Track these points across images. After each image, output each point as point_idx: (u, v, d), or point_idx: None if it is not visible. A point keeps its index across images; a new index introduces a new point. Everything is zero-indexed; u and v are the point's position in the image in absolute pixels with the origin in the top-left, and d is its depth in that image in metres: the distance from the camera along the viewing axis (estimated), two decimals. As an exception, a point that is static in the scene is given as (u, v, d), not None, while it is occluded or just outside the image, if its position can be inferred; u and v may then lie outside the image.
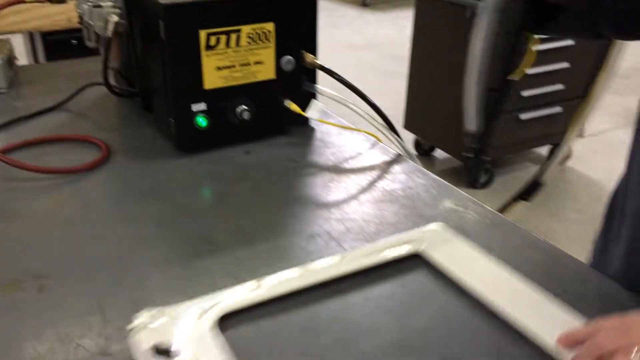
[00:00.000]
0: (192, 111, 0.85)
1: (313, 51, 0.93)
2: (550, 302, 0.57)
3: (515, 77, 0.67)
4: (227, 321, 0.55)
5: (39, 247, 0.67)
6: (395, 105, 2.68)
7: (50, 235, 0.70)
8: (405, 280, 0.62)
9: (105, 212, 0.75)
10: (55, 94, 1.08)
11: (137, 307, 0.57)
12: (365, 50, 4.45)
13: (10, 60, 1.17)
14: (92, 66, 1.16)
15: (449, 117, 2.43)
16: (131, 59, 0.95)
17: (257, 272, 0.61)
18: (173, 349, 0.50)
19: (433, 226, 0.69)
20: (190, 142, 0.88)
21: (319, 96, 0.96)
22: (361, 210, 0.75)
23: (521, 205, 1.22)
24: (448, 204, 0.76)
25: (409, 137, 2.74)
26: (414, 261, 0.64)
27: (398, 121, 2.74)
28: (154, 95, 0.94)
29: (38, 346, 0.53)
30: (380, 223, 0.72)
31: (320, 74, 0.94)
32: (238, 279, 0.60)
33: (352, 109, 0.93)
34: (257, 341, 0.54)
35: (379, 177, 0.84)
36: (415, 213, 0.74)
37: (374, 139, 0.95)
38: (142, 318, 0.53)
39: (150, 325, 0.53)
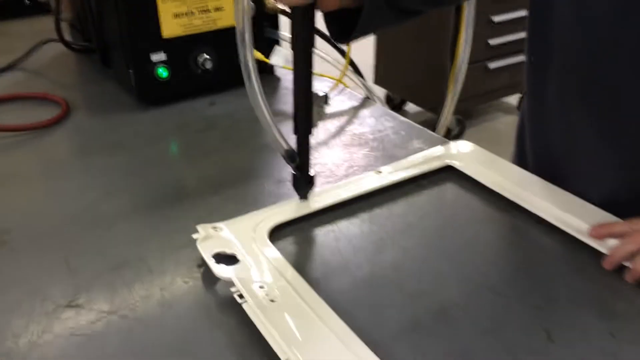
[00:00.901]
0: (152, 62, 0.82)
1: (275, -5, 0.90)
2: (584, 203, 0.59)
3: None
4: (277, 232, 0.58)
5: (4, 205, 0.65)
6: (365, 60, 2.66)
7: (10, 192, 0.68)
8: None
9: (68, 165, 0.73)
10: (9, 54, 1.04)
11: (105, 259, 0.56)
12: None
13: (-41, 19, 1.11)
14: (47, 25, 1.10)
15: (418, 69, 2.42)
16: (85, 12, 0.91)
17: (228, 216, 0.60)
18: (234, 255, 0.53)
19: (460, 143, 0.72)
20: (152, 94, 0.85)
21: (282, 43, 0.93)
22: (330, 154, 0.74)
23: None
24: (417, 144, 0.76)
25: (379, 93, 2.73)
26: (448, 172, 0.67)
27: (368, 77, 2.72)
28: (112, 49, 0.90)
29: (3, 300, 0.51)
30: (350, 166, 0.71)
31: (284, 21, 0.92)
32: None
33: (317, 54, 0.91)
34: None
35: (347, 122, 0.83)
36: (385, 155, 0.73)
37: (341, 85, 0.93)
38: (202, 231, 0.55)
39: (211, 236, 0.55)
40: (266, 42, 0.91)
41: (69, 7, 0.93)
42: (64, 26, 0.99)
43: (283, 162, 0.69)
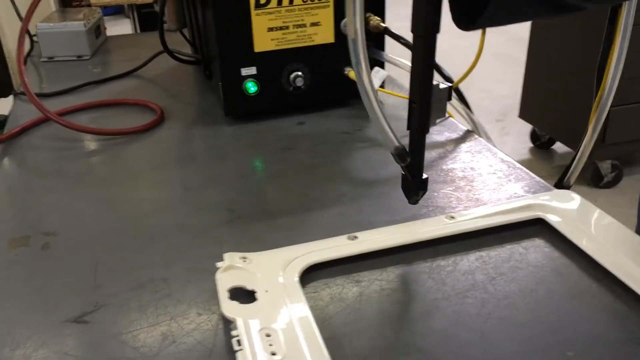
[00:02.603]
0: (241, 75, 0.80)
1: (381, 14, 0.83)
2: None
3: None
4: (314, 271, 0.51)
5: (59, 205, 0.66)
6: (513, 93, 2.47)
7: (73, 195, 0.68)
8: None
9: (137, 175, 0.72)
10: (135, 62, 1.09)
11: (132, 276, 0.53)
12: (491, 33, 4.17)
13: (98, 28, 1.20)
14: (178, 37, 1.15)
15: (570, 104, 2.19)
16: (190, 23, 0.92)
17: (272, 246, 0.54)
18: (253, 291, 0.47)
19: (563, 192, 0.59)
20: (239, 108, 0.83)
21: (387, 65, 0.86)
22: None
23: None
24: (515, 188, 0.64)
25: (525, 128, 2.52)
26: (539, 226, 0.56)
27: (514, 110, 2.52)
28: (212, 61, 0.90)
29: (18, 304, 0.50)
30: (425, 205, 0.61)
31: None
32: (246, 251, 0.54)
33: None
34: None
35: (439, 156, 0.73)
36: (470, 197, 0.63)
37: (446, 114, 0.83)
38: (228, 260, 0.50)
39: (235, 267, 0.49)
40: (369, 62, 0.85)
41: (174, 17, 0.95)
42: (170, 35, 1.01)
43: (347, 194, 0.62)
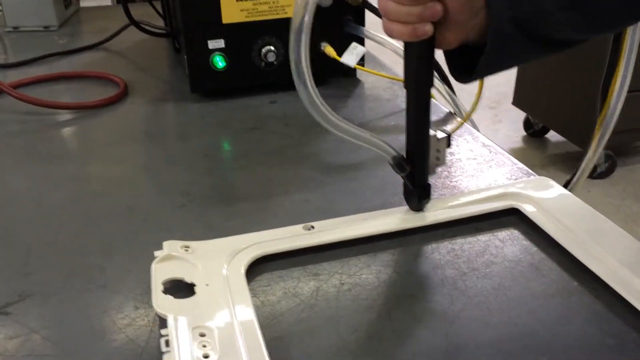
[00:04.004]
0: (208, 48, 0.74)
1: (361, -15, 0.78)
2: None
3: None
4: (263, 265, 0.46)
5: (15, 179, 0.60)
6: (508, 81, 2.42)
7: (17, 171, 0.63)
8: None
9: (90, 153, 0.67)
10: (105, 34, 1.02)
11: (67, 262, 0.48)
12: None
13: (67, -1, 1.13)
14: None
15: (566, 93, 2.14)
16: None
17: (225, 234, 0.49)
18: (192, 285, 0.42)
19: (541, 180, 0.55)
20: (205, 84, 0.77)
21: (366, 41, 0.81)
22: (374, 175, 0.60)
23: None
24: (494, 175, 0.59)
25: (519, 116, 2.46)
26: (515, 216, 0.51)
27: (508, 97, 2.47)
28: (180, 33, 0.84)
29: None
30: (397, 193, 0.56)
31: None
32: (198, 239, 0.49)
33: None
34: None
35: (416, 139, 0.68)
36: (447, 185, 0.58)
37: (427, 95, 0.78)
38: (167, 249, 0.45)
39: (175, 257, 0.44)
40: (346, 38, 0.79)
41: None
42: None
43: (315, 178, 0.57)
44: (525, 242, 0.48)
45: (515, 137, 2.42)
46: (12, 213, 0.55)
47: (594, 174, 2.24)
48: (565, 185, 0.54)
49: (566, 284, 0.44)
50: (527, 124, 2.47)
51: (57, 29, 1.07)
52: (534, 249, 0.47)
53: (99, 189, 0.59)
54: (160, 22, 1.00)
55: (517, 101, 2.42)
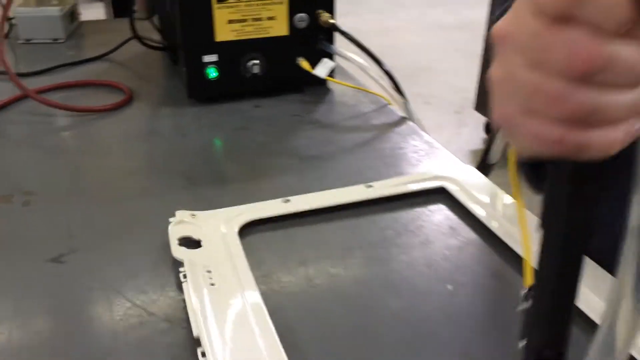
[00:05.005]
0: (203, 62, 0.89)
1: (330, 10, 0.93)
2: None
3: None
4: (251, 228, 0.61)
5: (36, 170, 0.75)
6: (473, 87, 2.60)
7: (49, 162, 0.77)
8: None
9: (105, 148, 0.81)
10: (107, 46, 1.17)
11: (100, 227, 0.62)
12: (456, 31, 4.32)
13: (73, 14, 1.27)
14: (149, 25, 1.23)
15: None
16: (160, 13, 1.01)
17: (220, 206, 0.64)
18: (199, 240, 0.57)
19: (467, 167, 0.71)
20: (201, 91, 0.92)
21: (336, 57, 0.97)
22: (340, 163, 0.76)
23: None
24: (431, 165, 0.75)
25: (482, 119, 2.65)
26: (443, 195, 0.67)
27: (469, 101, 2.65)
28: (178, 48, 0.99)
29: None
30: (354, 179, 0.72)
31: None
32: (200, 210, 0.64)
33: (365, 71, 0.94)
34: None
35: (373, 137, 0.84)
36: (393, 171, 0.74)
37: (385, 101, 0.94)
38: (179, 216, 0.60)
39: (184, 222, 0.59)
40: (319, 54, 0.95)
41: (144, 7, 1.03)
42: (141, 23, 1.10)
43: (293, 166, 0.71)
44: (448, 212, 0.64)
45: (477, 140, 2.61)
46: (52, 193, 0.69)
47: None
48: (481, 170, 0.70)
49: (474, 239, 0.60)
50: (488, 127, 2.67)
51: (64, 41, 1.21)
52: (454, 216, 0.63)
53: (118, 176, 0.74)
54: (156, 36, 1.15)
55: (479, 106, 2.61)
